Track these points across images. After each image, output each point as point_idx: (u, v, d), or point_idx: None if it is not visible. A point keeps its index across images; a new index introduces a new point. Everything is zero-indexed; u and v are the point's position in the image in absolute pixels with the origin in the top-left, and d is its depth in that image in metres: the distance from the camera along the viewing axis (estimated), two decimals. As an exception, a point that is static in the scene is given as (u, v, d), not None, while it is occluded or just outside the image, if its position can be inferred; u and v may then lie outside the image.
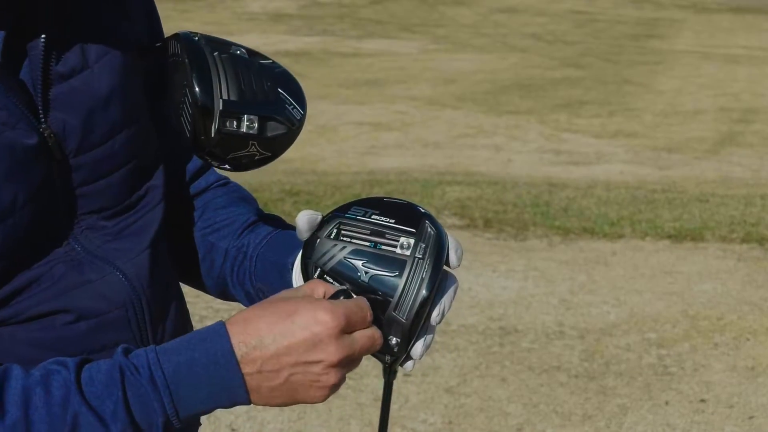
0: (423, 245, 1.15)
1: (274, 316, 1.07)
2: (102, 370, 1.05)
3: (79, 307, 1.17)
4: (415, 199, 7.03)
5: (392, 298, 1.13)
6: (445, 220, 6.63)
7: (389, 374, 1.16)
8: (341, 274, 1.14)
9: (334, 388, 1.09)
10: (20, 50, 1.15)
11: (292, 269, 1.25)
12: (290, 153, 1.24)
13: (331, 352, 1.06)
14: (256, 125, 1.17)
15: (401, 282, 1.13)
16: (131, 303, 1.22)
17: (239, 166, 1.21)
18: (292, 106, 1.21)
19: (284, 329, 1.05)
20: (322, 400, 1.09)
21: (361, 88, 13.73)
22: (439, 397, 4.14)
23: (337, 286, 1.14)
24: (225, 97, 1.16)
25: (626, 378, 4.34)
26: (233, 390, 1.06)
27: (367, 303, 1.12)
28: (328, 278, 1.15)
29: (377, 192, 7.44)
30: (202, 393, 1.05)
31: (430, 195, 7.37)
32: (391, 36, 19.20)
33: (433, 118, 11.83)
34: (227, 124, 1.16)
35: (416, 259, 1.14)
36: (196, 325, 1.26)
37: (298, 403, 1.10)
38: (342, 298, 1.11)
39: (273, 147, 1.20)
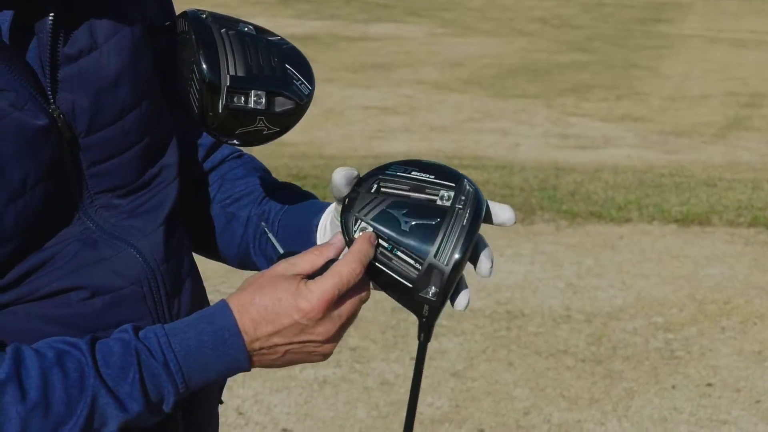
0: (463, 197, 1.17)
1: (261, 305, 1.11)
2: (115, 352, 1.08)
3: (94, 284, 1.19)
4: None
5: (433, 245, 1.13)
6: (452, 204, 6.61)
7: (427, 332, 1.16)
8: (382, 225, 1.15)
9: (332, 350, 1.15)
10: (28, 32, 1.15)
11: (316, 231, 1.29)
12: (296, 137, 1.23)
13: (319, 333, 1.12)
14: (263, 100, 1.18)
15: (442, 229, 1.14)
16: (146, 279, 1.23)
17: (247, 142, 1.22)
18: (300, 82, 1.21)
19: (273, 317, 1.11)
20: (325, 359, 1.16)
21: (367, 71, 13.69)
22: (446, 381, 4.15)
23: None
24: (232, 72, 1.16)
25: (633, 362, 4.34)
26: (238, 363, 1.12)
27: (360, 256, 1.12)
28: (369, 228, 1.15)
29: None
30: (211, 370, 1.11)
31: (436, 179, 7.35)
32: (398, 20, 19.14)
33: (440, 102, 11.79)
34: (235, 99, 1.17)
35: (457, 209, 1.16)
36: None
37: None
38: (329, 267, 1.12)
39: (281, 122, 1.21)
